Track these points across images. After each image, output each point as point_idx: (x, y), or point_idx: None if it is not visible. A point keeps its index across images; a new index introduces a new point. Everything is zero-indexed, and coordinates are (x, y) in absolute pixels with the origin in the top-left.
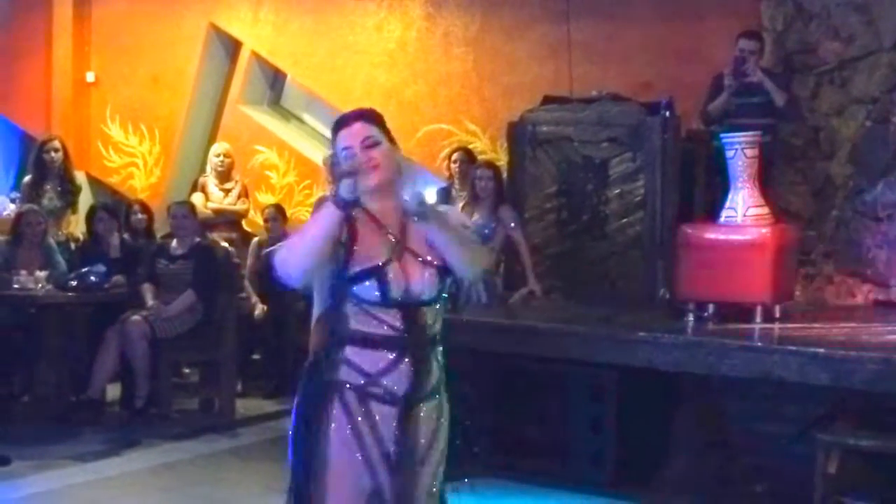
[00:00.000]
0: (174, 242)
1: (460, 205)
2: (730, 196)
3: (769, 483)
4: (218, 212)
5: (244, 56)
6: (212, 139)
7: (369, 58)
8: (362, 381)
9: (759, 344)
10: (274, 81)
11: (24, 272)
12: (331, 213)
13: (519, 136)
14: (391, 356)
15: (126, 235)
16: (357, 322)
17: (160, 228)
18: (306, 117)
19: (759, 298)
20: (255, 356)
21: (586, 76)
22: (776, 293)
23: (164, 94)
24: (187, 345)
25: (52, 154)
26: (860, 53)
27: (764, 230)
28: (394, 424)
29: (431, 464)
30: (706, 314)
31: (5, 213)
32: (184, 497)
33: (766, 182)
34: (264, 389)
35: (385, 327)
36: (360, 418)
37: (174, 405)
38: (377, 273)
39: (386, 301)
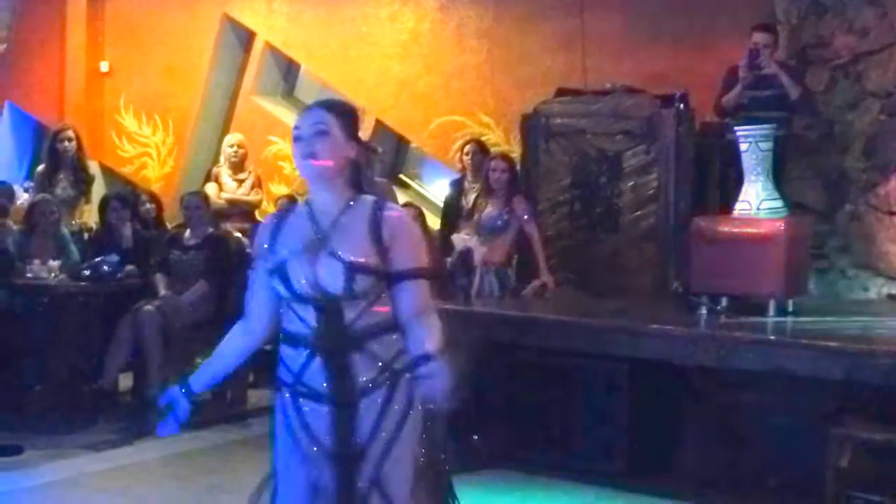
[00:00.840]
0: (187, 232)
1: (473, 196)
2: (743, 189)
3: (781, 476)
4: (231, 202)
5: (258, 47)
6: (225, 130)
7: (382, 49)
8: (291, 380)
9: (772, 337)
10: (287, 72)
11: (37, 261)
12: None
13: (532, 128)
14: (304, 353)
15: (140, 225)
16: (285, 319)
17: (173, 218)
18: None
19: (772, 292)
20: (267, 347)
21: (600, 68)
22: (789, 287)
23: (177, 85)
24: (199, 335)
25: (66, 143)
26: (875, 47)
27: (777, 223)
28: (327, 420)
29: (372, 458)
30: (719, 307)
31: (19, 202)
32: (196, 486)
33: (780, 175)
34: (276, 380)
35: (301, 324)
36: (293, 415)
37: None
38: (280, 268)
39: (295, 296)
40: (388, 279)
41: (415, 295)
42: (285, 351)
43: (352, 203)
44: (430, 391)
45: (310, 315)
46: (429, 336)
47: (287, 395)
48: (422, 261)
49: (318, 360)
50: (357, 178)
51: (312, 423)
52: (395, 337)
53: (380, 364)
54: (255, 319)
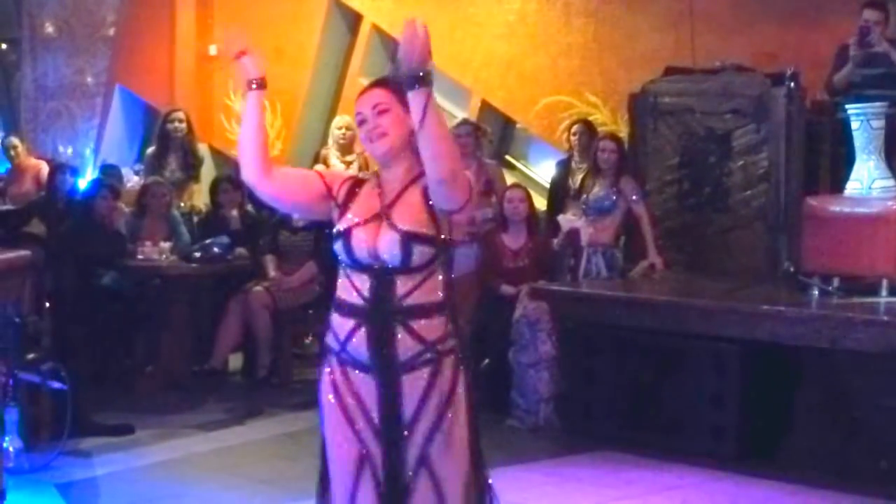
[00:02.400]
0: (296, 214)
1: (580, 177)
2: (855, 168)
3: (893, 460)
4: None
5: (365, 29)
6: (333, 112)
7: (489, 29)
8: (338, 348)
9: (885, 318)
10: (394, 54)
11: (148, 243)
12: (249, 101)
13: (640, 107)
14: (352, 323)
15: (250, 207)
16: (339, 287)
17: None
18: None
19: (886, 272)
20: None
21: (709, 47)
22: None
23: (285, 67)
24: (308, 315)
25: (177, 125)
26: None
27: (890, 203)
28: (374, 392)
29: (419, 435)
30: (831, 288)
31: (129, 184)
32: (305, 466)
33: (893, 154)
34: None
35: (354, 293)
36: (341, 384)
37: (295, 375)
38: (343, 234)
39: (355, 263)
40: (425, 198)
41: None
42: (335, 318)
43: (418, 178)
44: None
45: (364, 284)
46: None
47: (334, 362)
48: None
49: (363, 330)
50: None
51: (363, 392)
52: (441, 319)
53: (423, 343)
54: (280, 181)
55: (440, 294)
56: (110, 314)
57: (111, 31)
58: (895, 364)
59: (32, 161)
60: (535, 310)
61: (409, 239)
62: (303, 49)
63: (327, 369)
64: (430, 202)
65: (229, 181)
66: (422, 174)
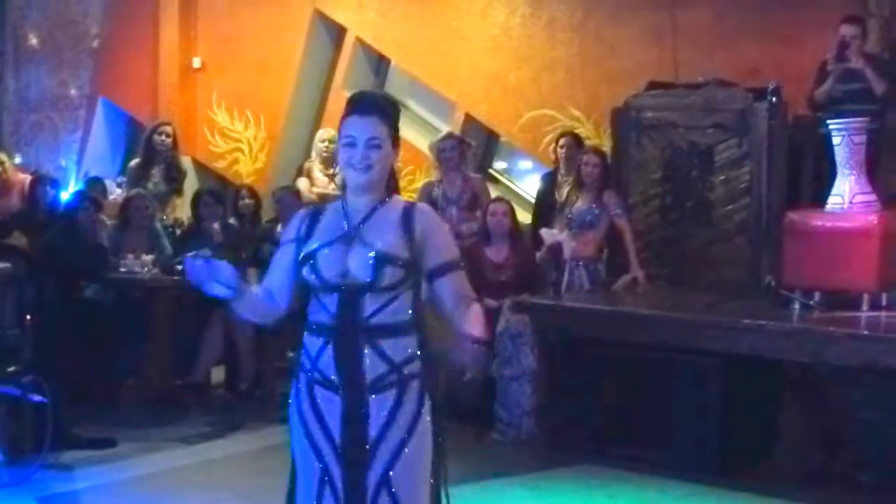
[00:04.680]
0: (279, 227)
1: (566, 190)
2: (836, 183)
3: (875, 473)
4: (323, 197)
5: (349, 42)
6: (317, 125)
7: (474, 43)
8: (309, 366)
9: (866, 332)
10: (378, 67)
11: (130, 256)
12: (235, 304)
13: (623, 121)
14: (320, 341)
15: (233, 220)
16: (310, 308)
17: (265, 213)
18: (410, 103)
19: (866, 286)
20: None
21: (691, 62)
22: (883, 281)
23: (269, 80)
24: (291, 328)
25: (164, 138)
26: None
27: (871, 217)
28: (338, 412)
29: (381, 457)
30: (812, 302)
31: (112, 197)
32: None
33: (874, 169)
34: None
35: (323, 313)
36: (306, 403)
37: (278, 389)
38: (310, 256)
39: (323, 283)
40: (428, 275)
41: (457, 285)
42: (307, 338)
43: (384, 202)
44: (463, 366)
45: (332, 303)
46: (474, 321)
47: (303, 381)
48: (456, 253)
49: (330, 348)
50: (391, 181)
51: (325, 411)
52: (408, 340)
53: (389, 364)
54: (277, 296)
55: (408, 314)
56: (92, 327)
57: (95, 44)
58: (876, 378)
59: (19, 176)
60: (517, 323)
61: (381, 258)
62: (286, 62)
63: (296, 386)
64: (406, 227)
65: (211, 194)
66: (384, 198)
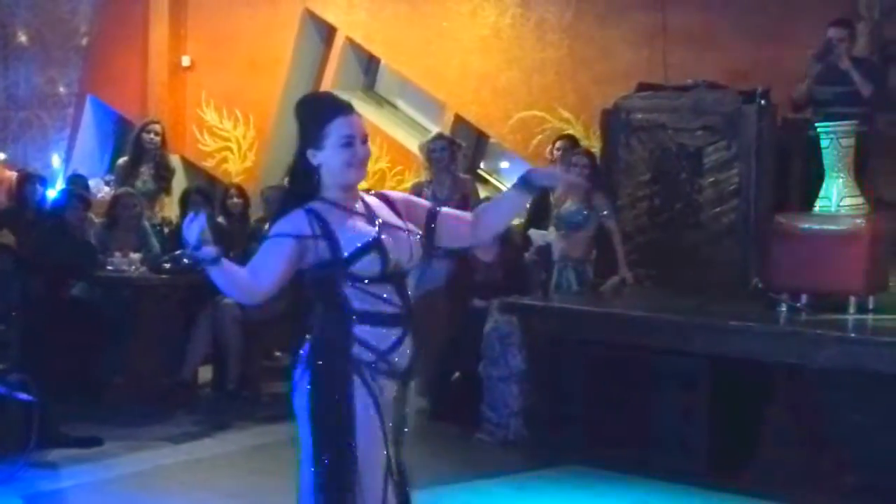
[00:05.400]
0: (268, 226)
1: (557, 192)
2: (824, 185)
3: (860, 475)
4: None
5: (339, 42)
6: None
7: (463, 44)
8: (374, 358)
9: (853, 335)
10: (368, 67)
11: (118, 254)
12: (215, 274)
13: (612, 123)
14: (397, 332)
15: (221, 219)
16: (359, 302)
17: (254, 212)
18: (399, 103)
19: (853, 289)
20: None
21: (681, 64)
22: (870, 284)
23: (258, 79)
24: (278, 329)
25: (152, 136)
26: None
27: (858, 220)
28: (392, 398)
29: (407, 432)
30: (799, 304)
31: (100, 195)
32: (275, 479)
33: (862, 172)
34: None
35: (387, 304)
36: (376, 394)
37: (265, 388)
38: (373, 245)
39: (384, 273)
40: (427, 220)
41: (449, 210)
42: (366, 331)
43: (363, 196)
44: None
45: (390, 293)
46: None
47: (367, 373)
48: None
49: (408, 339)
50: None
51: (381, 399)
52: None
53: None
54: (261, 274)
55: None
56: (79, 325)
57: (84, 42)
58: (862, 381)
59: (7, 173)
60: (506, 323)
61: (421, 242)
62: (276, 61)
63: (359, 381)
64: (400, 212)
65: (200, 193)
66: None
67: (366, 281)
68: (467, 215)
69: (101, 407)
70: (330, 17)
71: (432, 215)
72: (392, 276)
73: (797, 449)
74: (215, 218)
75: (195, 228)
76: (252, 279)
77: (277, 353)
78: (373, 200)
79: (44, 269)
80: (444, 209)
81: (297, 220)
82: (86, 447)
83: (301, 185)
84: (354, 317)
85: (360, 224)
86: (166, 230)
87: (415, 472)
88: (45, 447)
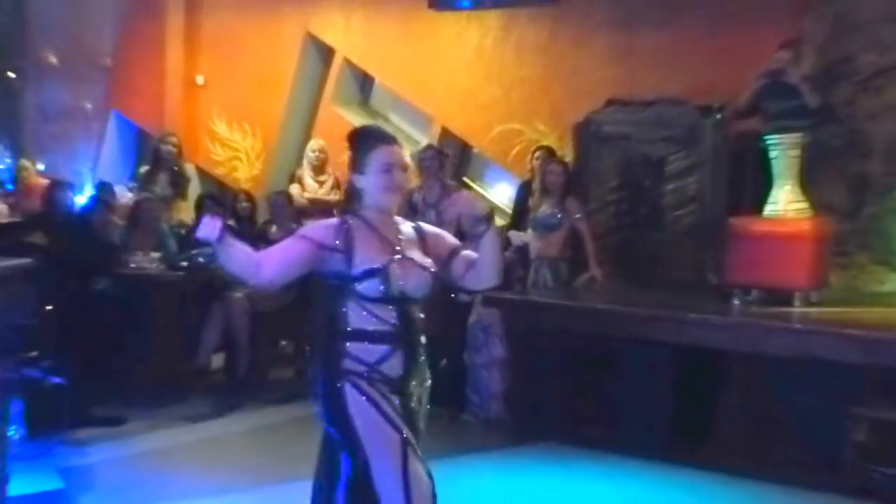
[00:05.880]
0: (273, 228)
1: (536, 196)
2: (773, 192)
3: (804, 449)
4: (313, 201)
5: (337, 61)
6: (308, 136)
7: (449, 63)
8: (363, 369)
9: (798, 326)
10: (363, 84)
11: (139, 253)
12: (222, 250)
13: (584, 135)
14: (386, 348)
15: (231, 221)
16: (355, 320)
17: (260, 215)
18: (392, 117)
19: (798, 284)
20: None
21: (646, 81)
22: (813, 280)
23: (265, 96)
24: (284, 320)
25: (170, 147)
26: (895, 64)
27: (803, 223)
28: (395, 397)
29: (423, 418)
30: (750, 298)
31: (123, 200)
32: (280, 454)
33: (807, 179)
34: None
35: (380, 323)
36: (369, 390)
37: (272, 374)
38: (381, 272)
39: (386, 297)
40: (448, 256)
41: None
42: (359, 347)
43: (398, 223)
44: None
45: (390, 315)
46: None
47: (358, 380)
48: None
49: (399, 353)
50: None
51: (389, 395)
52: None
53: (424, 355)
54: (265, 266)
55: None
56: (104, 317)
57: (107, 62)
58: (807, 367)
59: (40, 180)
60: (488, 316)
61: (434, 277)
62: (280, 79)
63: (352, 389)
64: (428, 249)
65: (212, 198)
66: (398, 220)
67: (369, 300)
68: (463, 264)
69: (125, 390)
70: (329, 40)
71: (454, 252)
72: (396, 300)
73: (748, 426)
74: (226, 220)
75: (211, 225)
76: (258, 263)
77: (283, 342)
78: (406, 230)
79: (73, 267)
80: (465, 252)
81: (326, 229)
82: (111, 426)
83: (348, 204)
84: (345, 334)
85: (379, 249)
86: (182, 232)
87: None
88: (76, 426)
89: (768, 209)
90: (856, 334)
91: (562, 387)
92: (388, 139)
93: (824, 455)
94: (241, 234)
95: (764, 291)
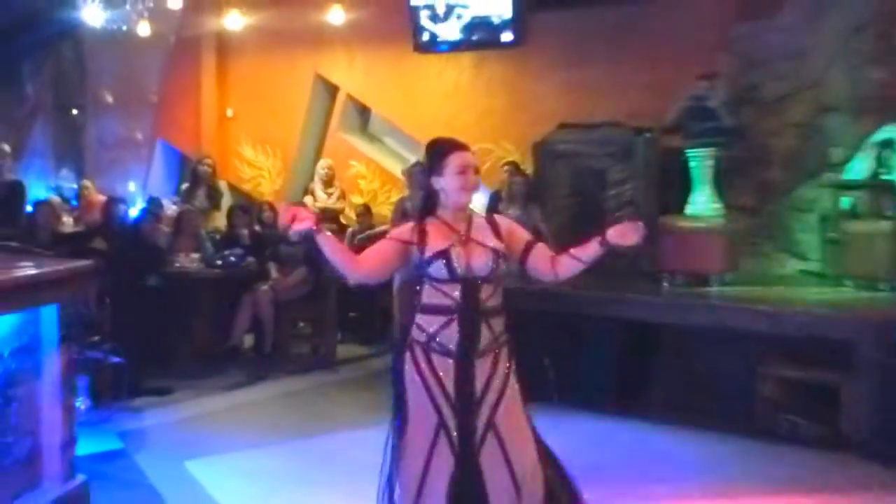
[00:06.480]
0: (291, 231)
1: (504, 202)
2: (694, 195)
3: (723, 402)
4: (323, 209)
5: (341, 96)
6: (318, 156)
7: (433, 96)
8: (425, 339)
9: (716, 302)
10: (363, 114)
11: (182, 255)
12: (321, 240)
13: (542, 152)
14: (443, 320)
15: (257, 227)
16: (426, 296)
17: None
18: (387, 140)
19: (715, 269)
20: (352, 314)
21: (592, 108)
22: (727, 265)
23: (283, 125)
24: (301, 306)
25: (206, 168)
26: (791, 90)
27: (719, 220)
28: (452, 372)
29: (486, 405)
30: (677, 281)
31: (168, 211)
32: (301, 415)
33: (722, 184)
34: (358, 338)
35: (445, 298)
36: (424, 367)
37: (292, 350)
38: (444, 254)
39: (452, 276)
40: (523, 251)
41: (544, 249)
42: (423, 318)
43: (473, 217)
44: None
45: (455, 292)
46: (578, 251)
47: (419, 350)
48: (530, 235)
49: (455, 325)
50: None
51: (442, 372)
52: (503, 317)
53: (493, 335)
54: (366, 268)
55: (501, 298)
56: (154, 307)
57: (153, 99)
58: (723, 335)
59: (99, 197)
60: None
61: (497, 255)
62: (296, 111)
63: (411, 357)
64: (496, 231)
65: (241, 208)
66: (472, 215)
67: (438, 280)
68: (548, 251)
69: (172, 366)
70: (334, 79)
71: (529, 245)
72: (461, 279)
73: (678, 384)
74: (253, 226)
75: (304, 221)
76: (358, 262)
77: (301, 325)
78: (478, 221)
79: (127, 267)
80: (540, 244)
81: (406, 229)
82: (161, 395)
83: (427, 203)
84: (417, 308)
85: (446, 236)
86: (217, 237)
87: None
88: (131, 396)
89: (690, 209)
90: (762, 308)
91: (529, 357)
92: (461, 146)
93: (739, 406)
94: (264, 238)
95: (687, 276)
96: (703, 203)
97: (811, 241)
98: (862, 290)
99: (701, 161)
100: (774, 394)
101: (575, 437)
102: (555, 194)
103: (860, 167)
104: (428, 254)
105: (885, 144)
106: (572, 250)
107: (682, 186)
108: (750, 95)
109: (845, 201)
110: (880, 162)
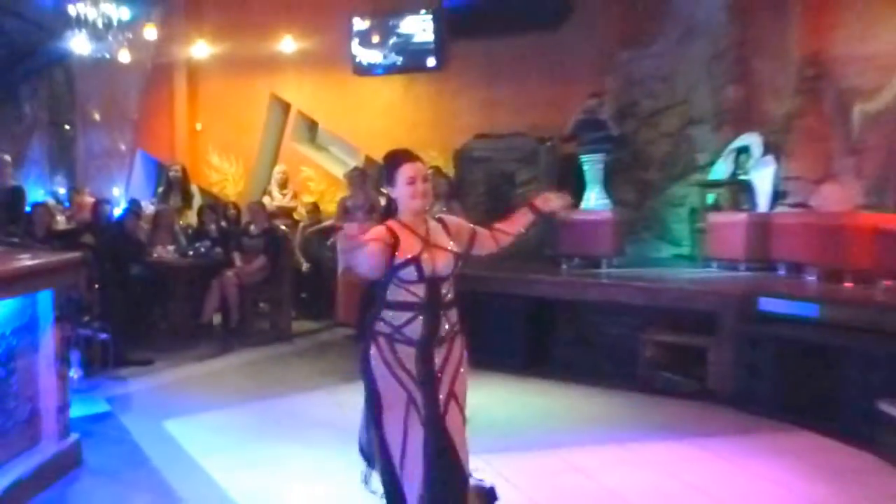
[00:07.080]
0: (252, 227)
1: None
2: (586, 192)
3: (615, 365)
4: (279, 208)
5: (293, 112)
6: (274, 163)
7: (370, 112)
8: (389, 331)
9: (606, 281)
10: (311, 127)
11: (159, 247)
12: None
13: (462, 158)
14: (410, 314)
15: (224, 223)
16: (392, 294)
17: (243, 218)
18: (332, 149)
19: (605, 254)
20: (303, 295)
21: (502, 121)
22: (614, 250)
23: (244, 136)
24: (261, 289)
25: (176, 173)
26: (664, 106)
27: (607, 213)
28: (414, 358)
29: (446, 379)
30: (573, 264)
31: (147, 211)
32: (263, 381)
33: (609, 183)
34: (310, 315)
35: (410, 296)
36: (388, 355)
37: (254, 326)
38: (415, 260)
39: (420, 278)
40: (468, 242)
41: (484, 231)
42: (388, 314)
43: (427, 220)
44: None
45: (420, 290)
46: (513, 221)
47: (383, 341)
48: (472, 225)
49: (419, 319)
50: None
51: (404, 359)
52: (457, 308)
53: (450, 324)
54: (367, 265)
55: (454, 292)
56: (136, 292)
57: (134, 115)
58: (612, 308)
59: (88, 199)
60: None
61: (458, 257)
62: (255, 124)
63: (375, 347)
64: (451, 234)
65: (210, 208)
66: (427, 218)
67: (406, 281)
68: (487, 231)
69: (152, 340)
70: (287, 97)
71: (473, 235)
72: (427, 279)
73: (575, 350)
74: (220, 222)
75: (355, 233)
76: (364, 260)
77: (261, 304)
78: (433, 224)
79: (112, 258)
80: (480, 230)
81: (383, 232)
82: (143, 365)
83: (389, 208)
84: (383, 305)
85: (413, 243)
86: (189, 231)
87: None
88: (117, 367)
89: (584, 204)
90: (643, 285)
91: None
92: (410, 158)
93: (626, 367)
94: (230, 232)
95: (582, 259)
96: (594, 199)
97: (683, 230)
98: (724, 271)
99: (592, 164)
100: (654, 355)
101: (490, 396)
102: (472, 192)
103: (721, 169)
104: (399, 259)
105: (742, 150)
106: (507, 222)
107: (577, 185)
108: (631, 110)
109: (710, 197)
110: (738, 165)
